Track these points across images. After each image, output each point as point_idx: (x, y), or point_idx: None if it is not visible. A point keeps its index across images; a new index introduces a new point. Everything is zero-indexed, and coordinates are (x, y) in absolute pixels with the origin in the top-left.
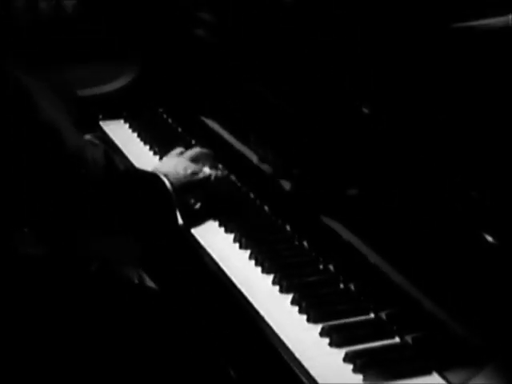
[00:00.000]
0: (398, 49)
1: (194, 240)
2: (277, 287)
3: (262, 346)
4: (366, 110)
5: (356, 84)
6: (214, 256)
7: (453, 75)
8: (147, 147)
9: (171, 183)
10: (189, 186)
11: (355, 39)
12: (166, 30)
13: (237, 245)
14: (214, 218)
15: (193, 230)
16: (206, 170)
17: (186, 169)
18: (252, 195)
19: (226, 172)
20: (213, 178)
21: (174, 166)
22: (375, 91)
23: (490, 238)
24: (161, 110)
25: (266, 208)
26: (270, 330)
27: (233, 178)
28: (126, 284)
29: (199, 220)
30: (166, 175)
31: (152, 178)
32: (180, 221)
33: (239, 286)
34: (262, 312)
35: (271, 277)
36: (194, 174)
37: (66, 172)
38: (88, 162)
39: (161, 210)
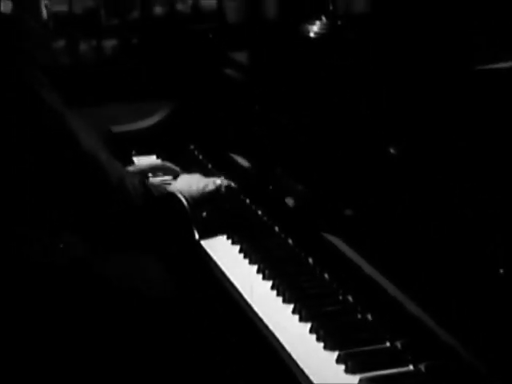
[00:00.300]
0: (424, 89)
1: (220, 271)
2: (296, 316)
3: (280, 370)
4: (392, 151)
5: (382, 124)
6: (238, 286)
7: (477, 116)
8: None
9: (186, 199)
10: (203, 199)
11: (382, 78)
12: (198, 70)
13: (260, 275)
14: (240, 251)
15: (217, 259)
16: (217, 181)
17: (198, 182)
18: (277, 228)
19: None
20: (223, 187)
21: (187, 181)
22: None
23: (502, 270)
24: (192, 146)
25: (290, 241)
26: (288, 355)
27: (259, 212)
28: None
29: (212, 233)
30: (181, 192)
31: (169, 197)
32: (196, 236)
33: (261, 314)
34: (281, 339)
35: (291, 306)
36: (206, 186)
37: (110, 200)
38: (129, 191)
39: (179, 226)
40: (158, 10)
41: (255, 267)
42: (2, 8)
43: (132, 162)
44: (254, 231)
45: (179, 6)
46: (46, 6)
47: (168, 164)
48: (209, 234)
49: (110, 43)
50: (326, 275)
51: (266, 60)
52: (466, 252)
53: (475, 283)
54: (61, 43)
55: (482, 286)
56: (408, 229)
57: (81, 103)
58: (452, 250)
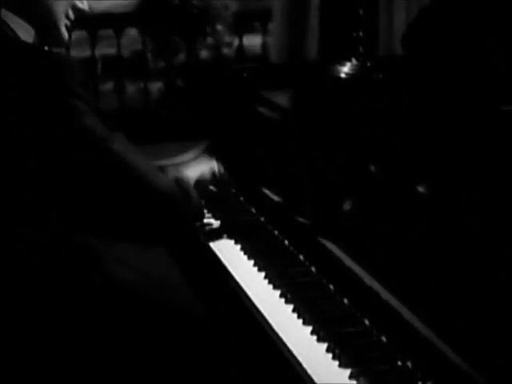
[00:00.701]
0: (453, 130)
1: (245, 294)
2: (315, 337)
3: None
4: (421, 189)
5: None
6: (261, 308)
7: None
8: (210, 214)
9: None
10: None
11: (410, 118)
12: (233, 107)
13: (283, 299)
14: (265, 277)
15: (241, 282)
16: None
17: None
18: (301, 257)
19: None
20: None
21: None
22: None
23: None
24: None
25: (313, 268)
26: (304, 371)
27: (286, 242)
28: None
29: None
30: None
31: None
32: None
33: (281, 335)
34: (299, 357)
35: (310, 328)
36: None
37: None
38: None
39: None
40: (204, 53)
41: (278, 292)
42: (21, 35)
43: None
44: (280, 259)
45: (225, 50)
46: (67, 27)
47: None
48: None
49: (156, 85)
50: (346, 300)
51: (297, 99)
52: (483, 278)
53: (491, 308)
54: (109, 85)
55: (499, 311)
56: (427, 260)
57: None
58: (469, 280)
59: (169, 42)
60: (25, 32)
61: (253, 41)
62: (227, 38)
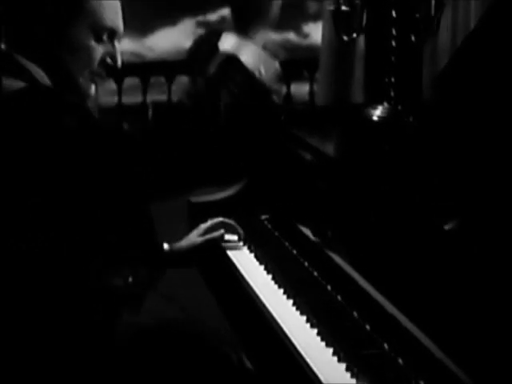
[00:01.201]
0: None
1: (277, 325)
2: (335, 357)
3: None
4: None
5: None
6: (287, 331)
7: None
8: (252, 254)
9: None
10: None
11: (437, 161)
12: (270, 148)
13: (308, 324)
14: (293, 304)
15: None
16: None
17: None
18: (329, 287)
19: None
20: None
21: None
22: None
23: None
24: (262, 216)
25: (339, 297)
26: None
27: (315, 273)
28: (224, 363)
29: None
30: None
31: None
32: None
33: (305, 356)
34: (320, 376)
35: (331, 349)
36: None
37: None
38: None
39: None
40: None
41: (304, 317)
42: (38, 77)
43: None
44: (308, 289)
45: (273, 97)
46: (95, 83)
47: (232, 223)
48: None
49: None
50: (368, 327)
51: (329, 139)
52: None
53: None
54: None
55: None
56: (447, 293)
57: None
58: (488, 310)
59: None
60: (43, 81)
61: (301, 88)
62: (275, 86)
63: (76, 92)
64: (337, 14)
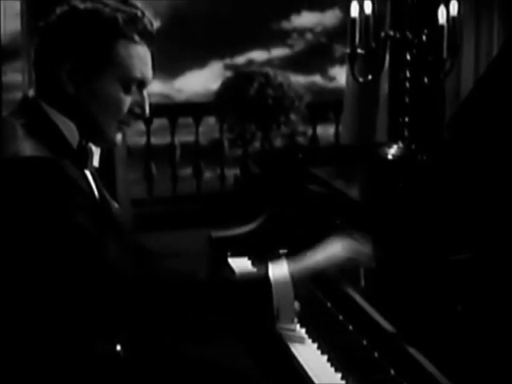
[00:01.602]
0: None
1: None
2: None
3: None
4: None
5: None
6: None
7: None
8: None
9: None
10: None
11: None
12: (288, 184)
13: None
14: (328, 360)
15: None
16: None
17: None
18: (365, 342)
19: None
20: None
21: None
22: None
23: None
24: (282, 251)
25: (376, 354)
26: None
27: (328, 304)
28: None
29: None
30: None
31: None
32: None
33: None
34: None
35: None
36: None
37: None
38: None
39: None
40: (279, 142)
41: (339, 374)
42: (63, 127)
43: (227, 263)
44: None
45: (299, 139)
46: (122, 131)
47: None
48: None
49: (232, 171)
50: (392, 371)
51: (344, 176)
52: None
53: None
54: (187, 171)
55: None
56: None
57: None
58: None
59: (245, 130)
60: (67, 130)
61: (326, 130)
62: (301, 128)
63: (103, 141)
64: (352, 56)
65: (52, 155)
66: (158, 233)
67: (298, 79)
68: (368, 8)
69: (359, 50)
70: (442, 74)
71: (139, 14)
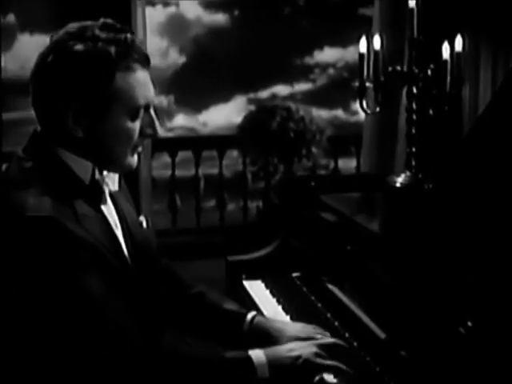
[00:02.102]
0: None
1: None
2: None
3: None
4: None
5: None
6: None
7: None
8: (280, 306)
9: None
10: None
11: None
12: (301, 211)
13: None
14: None
15: None
16: (305, 352)
17: (289, 351)
18: (356, 344)
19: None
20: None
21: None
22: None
23: None
24: (293, 274)
25: (363, 353)
26: None
27: (336, 323)
28: None
29: None
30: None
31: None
32: None
33: None
34: None
35: None
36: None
37: None
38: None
39: None
40: (301, 175)
41: None
42: (78, 170)
43: (242, 285)
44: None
45: (321, 172)
46: (138, 154)
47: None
48: None
49: (255, 204)
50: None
51: (353, 204)
52: None
53: None
54: (211, 203)
55: None
56: None
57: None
58: None
59: (267, 163)
60: (79, 168)
61: (348, 163)
62: (323, 161)
63: (120, 168)
64: (361, 89)
65: (61, 198)
66: (180, 263)
67: (321, 113)
68: (377, 44)
69: (367, 84)
70: (446, 107)
71: (129, 38)
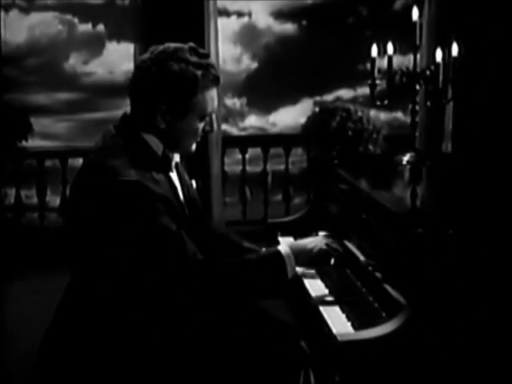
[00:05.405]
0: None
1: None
2: None
3: None
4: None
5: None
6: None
7: None
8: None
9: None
10: (309, 260)
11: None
12: (323, 183)
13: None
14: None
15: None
16: (321, 244)
17: (307, 244)
18: (375, 303)
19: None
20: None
21: (298, 244)
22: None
23: None
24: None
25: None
26: None
27: (356, 281)
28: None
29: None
30: (288, 251)
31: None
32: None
33: None
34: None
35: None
36: (313, 248)
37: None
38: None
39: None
40: None
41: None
42: (154, 147)
43: (276, 239)
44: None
45: None
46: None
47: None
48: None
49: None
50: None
51: (364, 176)
52: None
53: None
54: (278, 196)
55: None
56: None
57: None
58: None
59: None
60: (156, 146)
61: None
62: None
63: (183, 152)
64: (372, 85)
65: (142, 168)
66: None
67: (381, 115)
68: (389, 50)
69: (377, 81)
70: (444, 100)
71: (210, 63)
